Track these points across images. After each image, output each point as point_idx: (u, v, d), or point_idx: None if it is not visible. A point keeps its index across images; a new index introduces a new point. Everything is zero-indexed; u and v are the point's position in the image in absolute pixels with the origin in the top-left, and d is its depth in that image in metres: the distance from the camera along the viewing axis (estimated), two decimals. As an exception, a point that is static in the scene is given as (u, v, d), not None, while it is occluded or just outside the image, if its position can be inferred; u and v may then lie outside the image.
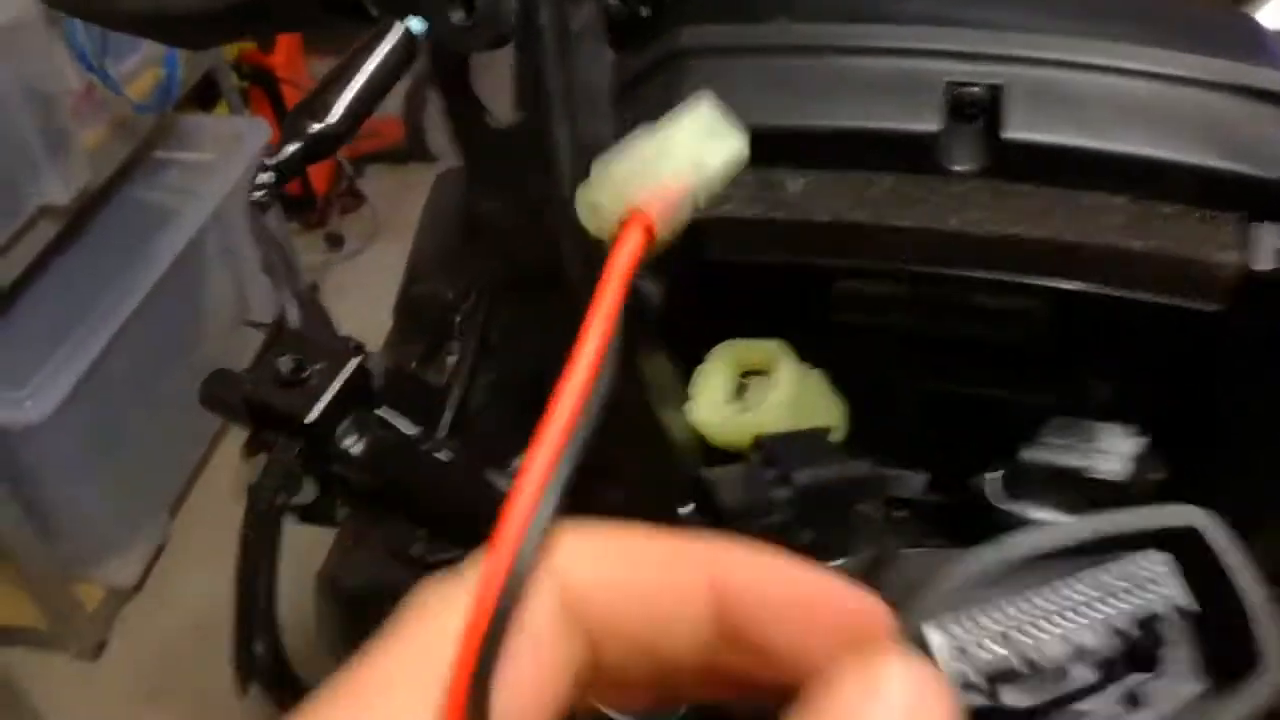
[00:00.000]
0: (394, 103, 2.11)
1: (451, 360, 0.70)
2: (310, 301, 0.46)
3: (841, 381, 0.59)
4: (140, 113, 1.58)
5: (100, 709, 1.52)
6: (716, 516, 0.45)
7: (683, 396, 0.55)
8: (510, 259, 0.45)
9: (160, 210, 1.68)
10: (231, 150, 1.76)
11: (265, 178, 0.37)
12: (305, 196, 2.12)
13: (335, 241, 2.17)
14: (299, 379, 0.42)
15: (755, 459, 0.47)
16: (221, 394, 0.46)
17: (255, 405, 0.43)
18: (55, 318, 1.50)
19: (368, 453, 0.44)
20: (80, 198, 1.51)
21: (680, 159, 0.22)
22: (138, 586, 1.62)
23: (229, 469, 1.72)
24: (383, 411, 0.45)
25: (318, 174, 2.11)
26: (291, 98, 2.02)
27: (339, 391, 0.42)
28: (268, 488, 0.45)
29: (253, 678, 0.51)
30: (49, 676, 1.54)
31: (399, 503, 0.46)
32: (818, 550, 0.45)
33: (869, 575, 0.47)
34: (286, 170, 0.36)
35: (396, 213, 2.11)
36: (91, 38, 1.50)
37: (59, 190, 1.46)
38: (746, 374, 0.59)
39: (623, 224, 0.21)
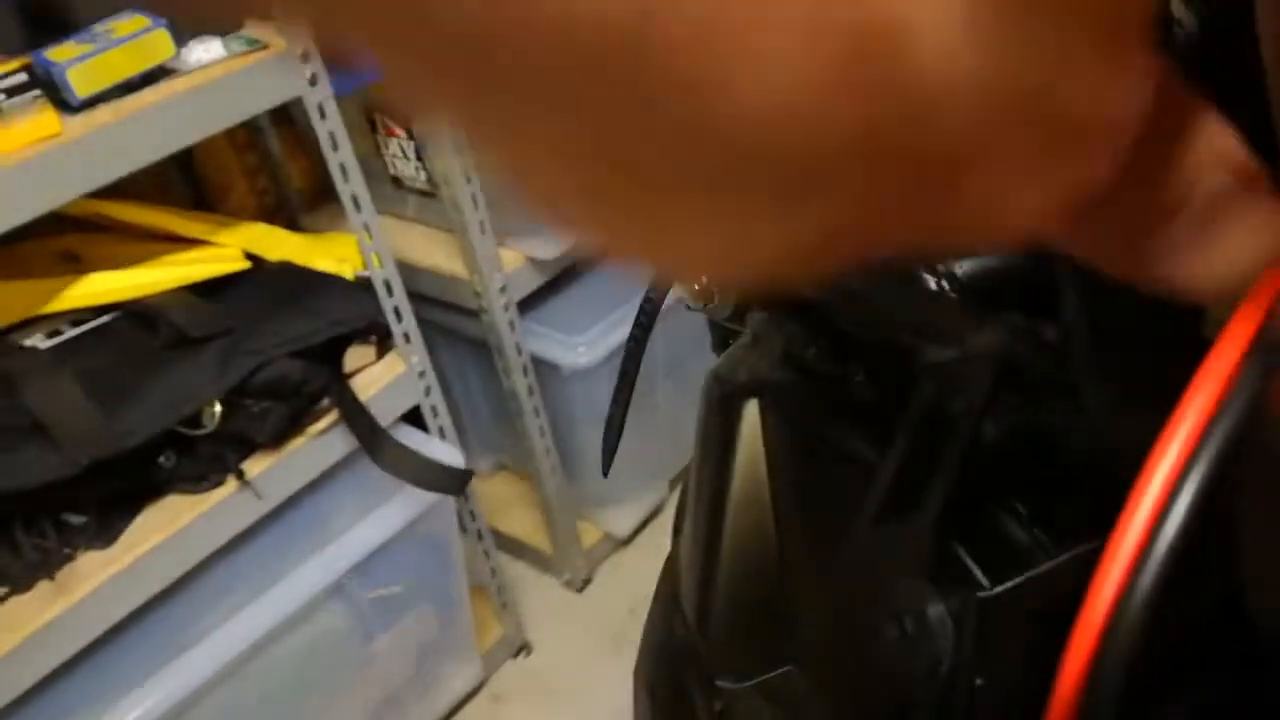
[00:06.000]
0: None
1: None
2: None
3: None
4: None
5: (572, 637, 1.66)
6: None
7: None
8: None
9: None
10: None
11: None
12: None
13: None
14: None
15: None
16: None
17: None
18: (620, 282, 1.68)
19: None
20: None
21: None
22: (627, 540, 1.75)
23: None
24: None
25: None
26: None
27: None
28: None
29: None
30: (539, 596, 1.72)
31: (810, 306, 0.43)
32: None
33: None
34: None
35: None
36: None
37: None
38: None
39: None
